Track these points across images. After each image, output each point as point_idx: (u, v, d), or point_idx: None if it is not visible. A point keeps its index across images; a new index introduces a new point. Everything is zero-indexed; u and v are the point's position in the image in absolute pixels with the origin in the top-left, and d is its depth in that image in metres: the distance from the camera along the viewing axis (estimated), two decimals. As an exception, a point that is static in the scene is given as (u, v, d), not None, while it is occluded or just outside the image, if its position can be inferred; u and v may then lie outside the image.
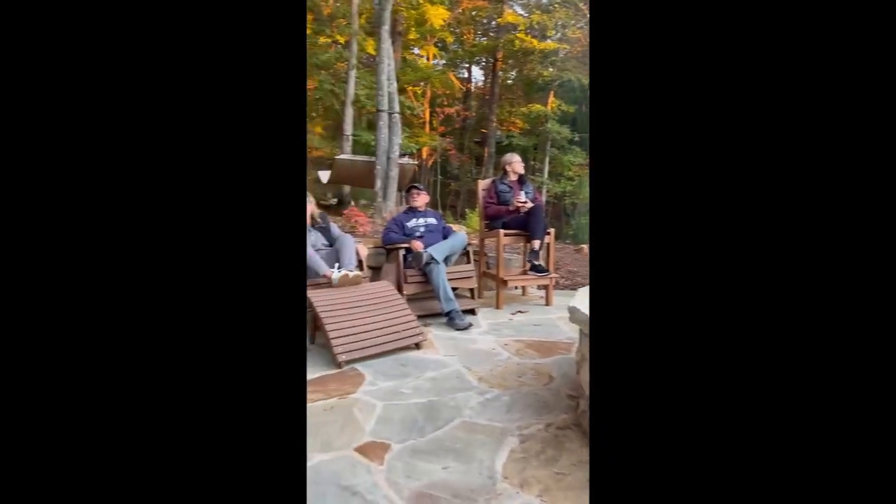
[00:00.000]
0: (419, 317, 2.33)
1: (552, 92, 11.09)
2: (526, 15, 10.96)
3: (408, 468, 1.17)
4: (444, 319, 2.54)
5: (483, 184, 3.34)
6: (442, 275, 2.57)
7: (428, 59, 13.15)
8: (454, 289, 2.66)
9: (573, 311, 1.34)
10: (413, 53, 11.52)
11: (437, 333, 2.39)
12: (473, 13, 11.96)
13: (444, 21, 10.89)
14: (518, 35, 10.21)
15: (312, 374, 1.85)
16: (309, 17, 12.23)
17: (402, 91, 8.81)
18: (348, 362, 1.93)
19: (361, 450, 1.26)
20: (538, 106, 11.02)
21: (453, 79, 12.04)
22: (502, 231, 2.91)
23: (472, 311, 2.68)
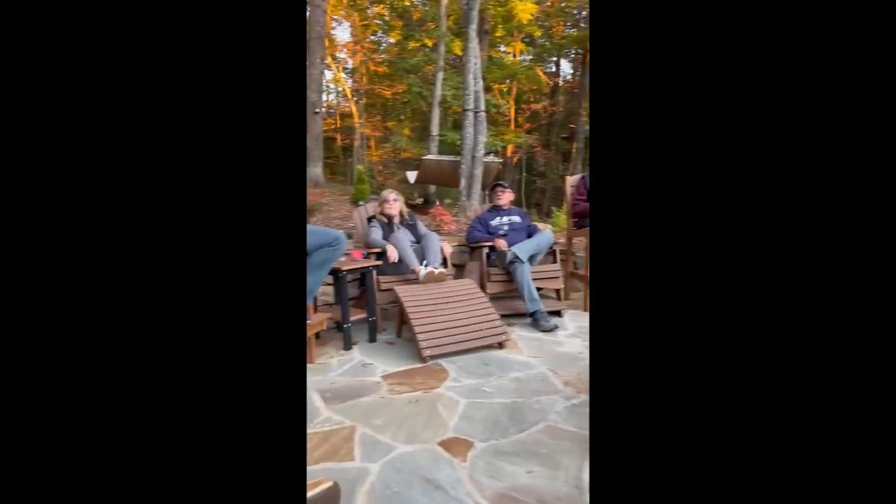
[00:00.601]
0: (502, 316, 2.31)
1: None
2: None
3: (491, 468, 1.16)
4: (529, 320, 2.49)
5: (571, 180, 3.20)
6: (526, 274, 2.52)
7: (514, 55, 13.00)
8: (539, 289, 2.59)
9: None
10: (499, 51, 11.46)
11: (520, 334, 2.34)
12: (563, 4, 11.56)
13: (532, 15, 10.67)
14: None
15: (398, 366, 1.92)
16: (398, 23, 12.75)
17: (487, 89, 8.81)
18: (433, 357, 1.97)
19: (445, 444, 1.28)
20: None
21: (540, 74, 11.75)
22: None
23: (557, 313, 2.59)
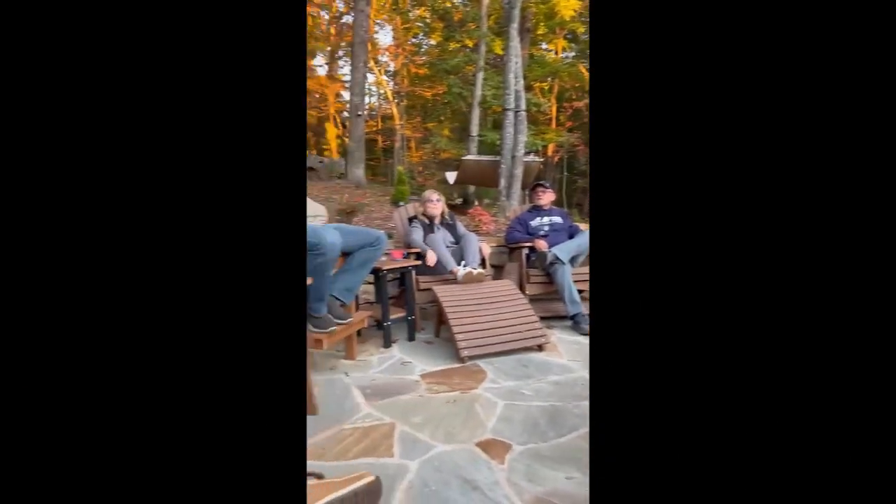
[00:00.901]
0: (542, 318, 2.27)
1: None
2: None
3: (529, 471, 1.15)
4: (569, 323, 2.44)
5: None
6: (567, 276, 2.47)
7: (556, 52, 12.77)
8: (580, 291, 2.53)
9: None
10: (540, 49, 11.29)
11: (560, 336, 2.30)
12: (607, -1, 11.23)
13: (575, 11, 10.44)
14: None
15: (436, 366, 1.94)
16: (439, 24, 12.83)
17: (528, 88, 8.70)
18: (471, 358, 1.97)
19: (482, 445, 1.28)
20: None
21: (583, 71, 11.47)
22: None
23: (599, 316, 2.52)
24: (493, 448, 1.26)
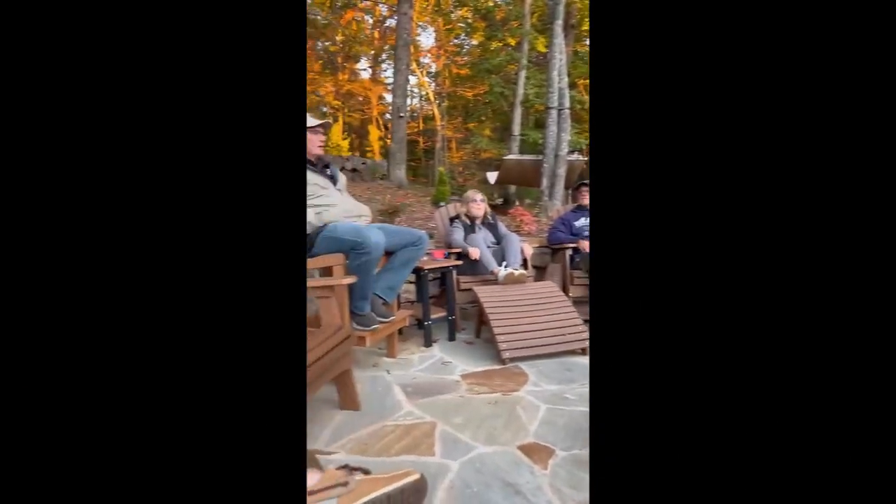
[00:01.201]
0: (586, 321, 2.21)
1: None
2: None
3: (573, 478, 1.12)
4: (615, 326, 2.36)
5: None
6: (613, 278, 2.39)
7: (602, 48, 12.37)
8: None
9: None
10: (585, 45, 11.00)
11: (605, 340, 2.23)
12: (657, -9, 10.79)
13: (622, 5, 10.10)
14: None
15: (477, 366, 1.92)
16: (481, 24, 12.79)
17: (572, 86, 8.50)
18: (512, 360, 1.95)
19: (525, 449, 1.25)
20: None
21: (630, 66, 11.07)
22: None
23: (647, 321, 2.42)
24: (535, 452, 1.24)
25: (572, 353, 2.03)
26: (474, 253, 2.49)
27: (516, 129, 7.86)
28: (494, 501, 1.03)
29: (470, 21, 13.59)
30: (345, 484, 0.76)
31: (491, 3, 11.61)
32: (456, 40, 14.80)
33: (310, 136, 1.94)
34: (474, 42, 14.11)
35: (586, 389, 1.65)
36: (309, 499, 0.73)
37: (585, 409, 1.50)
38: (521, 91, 7.83)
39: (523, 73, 7.89)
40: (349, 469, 0.80)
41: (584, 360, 1.97)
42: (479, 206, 2.76)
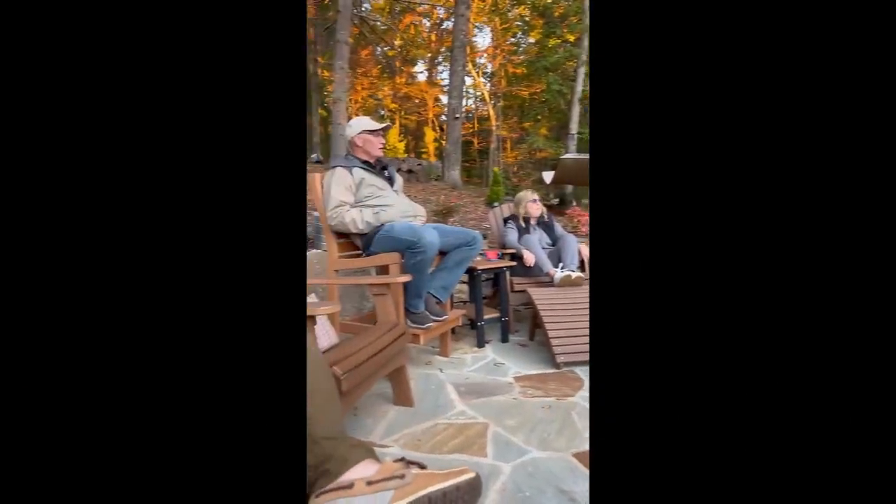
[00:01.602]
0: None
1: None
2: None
3: (632, 491, 1.07)
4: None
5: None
6: (678, 283, 2.26)
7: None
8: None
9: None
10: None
11: (668, 349, 2.11)
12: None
13: None
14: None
15: (531, 369, 1.89)
16: (539, 21, 12.57)
17: (635, 81, 8.13)
18: (567, 364, 1.90)
19: (580, 456, 1.22)
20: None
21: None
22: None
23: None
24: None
25: (632, 360, 1.94)
26: (529, 259, 2.45)
27: (574, 127, 7.64)
28: (548, 508, 1.00)
29: (527, 19, 13.39)
30: (401, 476, 0.77)
31: (549, 0, 11.37)
32: (512, 39, 14.65)
33: (370, 139, 2.00)
34: (531, 40, 13.88)
35: (647, 399, 1.58)
36: (367, 488, 0.75)
37: (646, 419, 1.42)
38: (579, 88, 7.60)
39: (582, 70, 7.65)
40: (406, 462, 0.82)
41: (645, 369, 1.87)
42: (534, 206, 2.72)
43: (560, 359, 1.88)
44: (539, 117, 14.04)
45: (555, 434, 1.34)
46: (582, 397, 1.60)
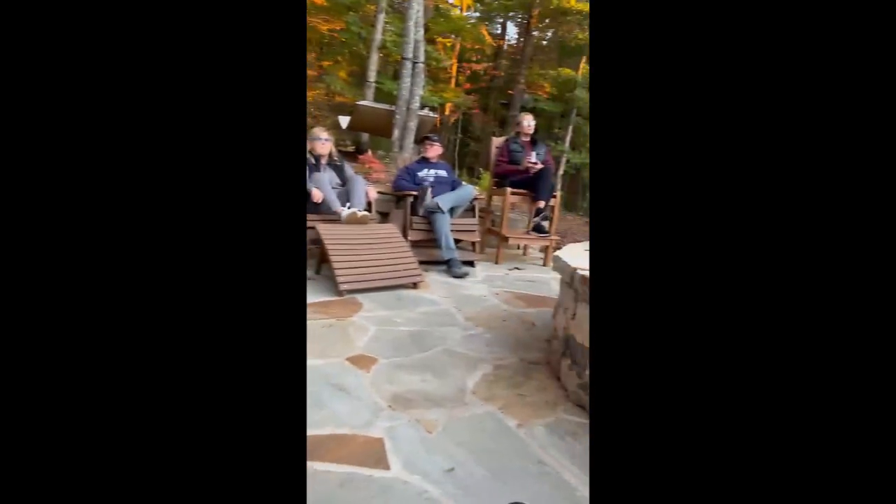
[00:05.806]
0: (421, 262, 2.47)
1: (584, 57, 10.69)
2: (568, -29, 10.40)
3: (391, 377, 1.34)
4: (444, 267, 2.68)
5: (496, 141, 3.38)
6: (445, 224, 2.69)
7: (462, 10, 12.67)
8: (457, 241, 2.78)
9: (556, 260, 1.46)
10: (447, 2, 11.10)
11: (434, 278, 2.53)
12: (515, -38, 11.36)
13: (483, -31, 10.41)
14: (557, -8, 9.74)
15: (316, 298, 2.02)
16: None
17: (430, 41, 8.59)
18: (349, 292, 2.09)
19: (352, 360, 1.43)
20: (568, 71, 10.67)
21: (485, 33, 11.63)
22: (509, 189, 2.99)
23: (471, 263, 2.81)
24: (361, 361, 1.43)
25: (405, 286, 2.27)
26: (317, 196, 2.50)
27: (372, 75, 7.66)
28: (325, 399, 1.18)
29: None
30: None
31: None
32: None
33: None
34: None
35: (413, 315, 1.91)
36: None
37: (410, 329, 1.74)
38: (378, 36, 7.60)
39: (382, 17, 7.64)
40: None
41: (415, 293, 2.22)
42: (323, 144, 2.74)
43: (343, 286, 2.06)
44: (339, 58, 13.43)
45: (332, 345, 1.53)
46: (359, 316, 1.83)
